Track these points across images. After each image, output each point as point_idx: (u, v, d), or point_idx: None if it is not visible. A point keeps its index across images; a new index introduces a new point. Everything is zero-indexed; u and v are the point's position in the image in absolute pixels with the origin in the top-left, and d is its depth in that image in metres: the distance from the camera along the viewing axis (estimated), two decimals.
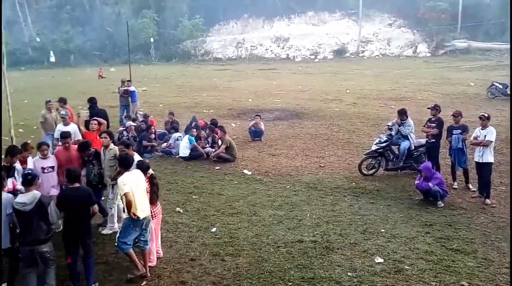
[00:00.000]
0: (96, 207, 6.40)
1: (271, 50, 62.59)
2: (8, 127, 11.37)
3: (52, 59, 63.53)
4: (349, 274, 6.68)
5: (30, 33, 71.59)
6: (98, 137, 9.48)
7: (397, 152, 11.45)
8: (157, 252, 7.22)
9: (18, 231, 5.96)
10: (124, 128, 15.07)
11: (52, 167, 8.16)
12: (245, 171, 11.99)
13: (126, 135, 13.94)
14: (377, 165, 11.45)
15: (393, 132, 11.52)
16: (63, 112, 11.01)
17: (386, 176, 11.43)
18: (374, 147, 11.43)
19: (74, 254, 6.24)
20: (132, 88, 17.99)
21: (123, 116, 17.36)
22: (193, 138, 13.55)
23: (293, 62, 54.67)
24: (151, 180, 7.08)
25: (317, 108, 21.21)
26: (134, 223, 6.50)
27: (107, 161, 8.17)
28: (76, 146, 8.50)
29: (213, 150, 13.40)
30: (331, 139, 15.21)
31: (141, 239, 6.69)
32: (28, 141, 8.82)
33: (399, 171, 11.49)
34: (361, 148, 13.63)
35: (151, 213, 6.87)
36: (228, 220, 8.76)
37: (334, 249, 7.46)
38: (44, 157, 8.11)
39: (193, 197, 10.15)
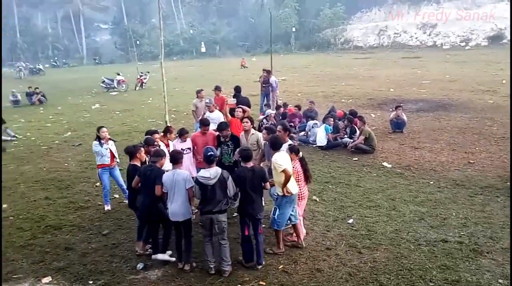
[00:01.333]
0: (268, 184, 6.80)
1: (416, 38, 59.31)
2: (163, 113, 12.47)
3: (203, 49, 68.09)
4: (500, 281, 6.10)
5: (182, 26, 77.61)
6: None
7: None
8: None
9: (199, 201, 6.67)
10: (264, 116, 15.56)
11: (190, 148, 8.77)
12: (385, 164, 11.59)
13: (266, 123, 14.35)
14: None
15: None
16: (207, 100, 11.68)
17: None
18: None
19: (248, 228, 6.79)
20: (272, 78, 18.40)
21: (263, 105, 17.92)
22: (329, 127, 13.48)
23: (441, 50, 51.12)
24: (302, 162, 7.39)
25: (467, 100, 19.58)
26: (288, 199, 6.90)
27: (250, 145, 8.37)
28: (213, 131, 8.99)
29: (351, 140, 13.18)
30: (483, 134, 13.93)
31: (292, 214, 7.10)
32: (170, 125, 9.50)
33: None
34: None
35: (302, 193, 7.29)
36: (366, 212, 8.58)
37: (483, 252, 6.86)
38: (184, 140, 8.76)
39: (330, 186, 10.13)
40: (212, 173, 6.40)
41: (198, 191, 6.49)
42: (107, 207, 9.28)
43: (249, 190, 6.59)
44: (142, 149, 7.69)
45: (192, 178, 6.83)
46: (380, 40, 62.45)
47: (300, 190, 7.25)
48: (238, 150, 8.14)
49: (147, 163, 7.48)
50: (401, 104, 15.81)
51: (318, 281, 6.30)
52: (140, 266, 6.86)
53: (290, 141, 7.89)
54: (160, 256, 6.93)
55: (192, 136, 9.16)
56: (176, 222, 6.74)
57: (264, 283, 6.28)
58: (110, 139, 9.28)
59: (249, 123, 8.64)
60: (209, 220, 6.50)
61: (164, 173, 6.79)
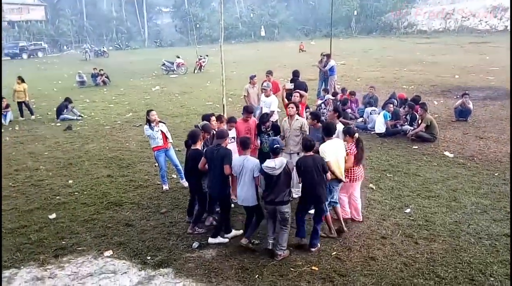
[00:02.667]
0: (329, 175, 6.80)
1: (486, 21, 56.08)
2: (221, 96, 12.58)
3: (263, 33, 67.91)
4: None
5: (241, 9, 77.70)
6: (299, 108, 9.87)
7: None
8: (358, 216, 7.69)
9: (262, 190, 6.74)
10: (322, 101, 15.36)
11: (234, 138, 8.73)
12: (446, 153, 11.15)
13: (324, 108, 14.18)
14: None
15: None
16: (265, 84, 11.67)
17: None
18: None
19: (305, 213, 6.93)
20: (331, 62, 18.10)
21: (321, 90, 17.69)
22: (388, 114, 13.09)
23: None
24: (358, 143, 7.36)
25: None
26: (338, 185, 7.08)
27: (293, 130, 8.40)
28: (256, 119, 9.00)
29: (412, 128, 12.76)
30: None
31: (331, 200, 7.21)
32: (221, 114, 9.53)
33: None
34: None
35: (355, 175, 7.37)
36: (424, 202, 8.32)
37: None
38: (230, 129, 8.72)
39: (387, 175, 9.89)
40: (278, 163, 6.41)
41: (263, 180, 6.56)
42: (165, 187, 9.56)
43: (312, 178, 6.59)
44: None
45: None
46: (446, 24, 59.66)
47: (352, 172, 7.30)
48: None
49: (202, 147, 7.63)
50: (468, 92, 15.08)
51: (372, 269, 6.20)
52: (195, 245, 7.05)
53: (342, 126, 7.83)
54: (211, 240, 7.10)
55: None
56: (245, 207, 6.88)
57: (316, 269, 6.27)
58: (160, 121, 9.44)
59: (294, 109, 8.59)
60: (272, 209, 6.59)
61: (231, 152, 6.91)
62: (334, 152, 6.89)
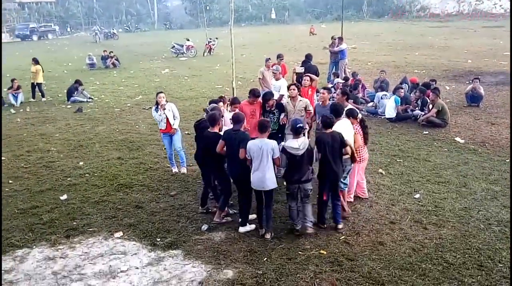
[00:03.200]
0: (348, 148, 6.79)
1: (501, 5, 55.10)
2: (230, 79, 12.56)
3: (273, 15, 67.31)
4: None
5: None
6: (309, 92, 9.83)
7: None
8: (363, 193, 7.86)
9: (285, 170, 6.77)
10: (331, 85, 15.28)
11: None
12: (457, 139, 11.07)
13: (334, 92, 14.08)
14: None
15: None
16: (274, 67, 11.65)
17: None
18: None
19: (327, 193, 6.92)
20: (343, 45, 17.94)
21: (331, 73, 17.58)
22: (398, 99, 12.98)
23: None
24: (361, 123, 7.45)
25: None
26: (351, 165, 7.15)
27: (298, 111, 8.49)
28: (260, 100, 8.87)
29: (422, 113, 12.66)
30: None
31: (342, 181, 7.22)
32: (223, 95, 9.45)
33: None
34: None
35: (361, 156, 7.43)
36: (434, 188, 8.29)
37: None
38: (233, 110, 8.62)
39: (397, 160, 9.85)
40: (301, 143, 6.44)
41: (285, 160, 6.56)
42: (174, 169, 9.60)
43: (329, 156, 6.62)
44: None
45: None
46: (459, 7, 58.76)
47: (359, 152, 7.30)
48: (319, 118, 8.12)
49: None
50: (479, 77, 14.89)
51: (380, 254, 6.22)
52: (204, 227, 7.09)
53: (349, 106, 7.82)
54: (242, 229, 6.98)
55: (241, 104, 8.97)
56: (259, 191, 6.77)
57: (325, 252, 6.29)
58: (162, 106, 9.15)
59: (296, 91, 8.63)
60: (296, 189, 6.66)
61: (249, 136, 6.90)
62: (345, 131, 6.92)
